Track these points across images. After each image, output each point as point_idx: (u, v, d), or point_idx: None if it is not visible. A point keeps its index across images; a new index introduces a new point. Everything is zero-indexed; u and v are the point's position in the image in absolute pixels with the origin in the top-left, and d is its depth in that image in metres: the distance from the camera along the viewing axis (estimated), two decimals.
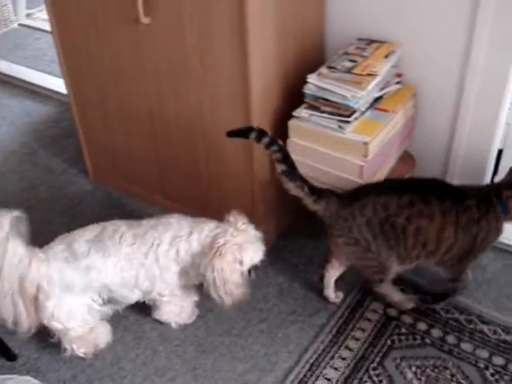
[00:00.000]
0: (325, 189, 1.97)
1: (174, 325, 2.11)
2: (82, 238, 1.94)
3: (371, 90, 2.03)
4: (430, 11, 2.07)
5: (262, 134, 1.91)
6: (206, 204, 2.36)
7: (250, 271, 1.92)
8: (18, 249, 1.80)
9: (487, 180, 2.31)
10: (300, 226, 2.45)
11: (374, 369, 1.95)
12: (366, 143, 1.96)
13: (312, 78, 2.05)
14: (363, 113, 2.05)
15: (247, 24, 1.85)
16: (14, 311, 1.84)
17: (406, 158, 2.31)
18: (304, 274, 2.29)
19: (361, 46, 2.18)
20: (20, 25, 4.42)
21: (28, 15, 4.51)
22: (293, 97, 2.12)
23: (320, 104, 2.05)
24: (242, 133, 1.95)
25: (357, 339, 2.05)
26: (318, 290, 2.21)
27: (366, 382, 1.92)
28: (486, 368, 1.94)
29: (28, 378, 1.61)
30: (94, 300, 1.96)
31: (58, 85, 3.26)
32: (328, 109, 2.03)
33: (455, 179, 2.25)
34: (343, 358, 1.99)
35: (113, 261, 1.91)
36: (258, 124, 2.06)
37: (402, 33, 2.16)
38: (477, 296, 2.17)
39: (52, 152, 3.04)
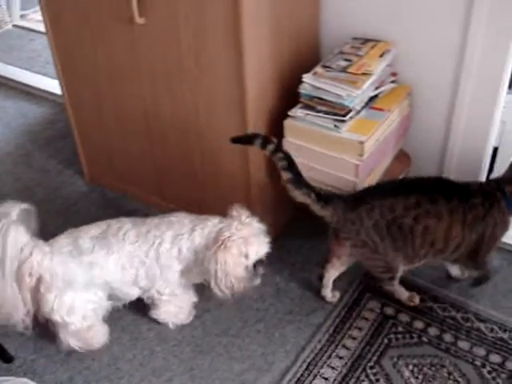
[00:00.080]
0: (331, 193, 1.98)
1: (171, 325, 2.11)
2: (88, 234, 1.95)
3: (366, 89, 2.03)
4: (424, 10, 2.07)
5: (266, 141, 1.90)
6: (201, 204, 2.36)
7: (255, 265, 1.92)
8: (21, 237, 1.81)
9: (483, 178, 2.32)
10: (296, 226, 2.45)
11: (371, 368, 1.95)
12: (361, 142, 1.96)
13: (307, 78, 2.05)
14: (358, 112, 2.05)
15: (242, 24, 1.85)
16: (9, 299, 1.84)
17: (402, 156, 2.31)
18: (301, 274, 2.29)
19: (356, 45, 2.18)
20: (14, 26, 4.41)
21: (22, 16, 4.51)
22: (288, 96, 2.12)
23: (315, 103, 2.05)
24: (247, 139, 1.95)
25: (354, 338, 2.05)
26: (315, 289, 2.21)
27: (363, 380, 1.92)
28: (483, 366, 1.94)
29: (25, 379, 1.61)
30: (99, 296, 1.96)
31: (53, 86, 3.25)
32: (323, 108, 2.03)
33: (451, 177, 2.25)
34: (340, 357, 1.99)
35: (115, 258, 1.92)
36: (253, 124, 2.06)
37: (397, 32, 2.16)
38: (473, 294, 2.17)
39: (47, 153, 3.03)
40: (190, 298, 2.09)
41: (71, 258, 1.90)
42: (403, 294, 2.12)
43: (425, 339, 2.03)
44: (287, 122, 2.09)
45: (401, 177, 2.22)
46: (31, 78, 3.68)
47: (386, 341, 2.03)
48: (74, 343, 1.98)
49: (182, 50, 2.04)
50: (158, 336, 2.10)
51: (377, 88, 2.12)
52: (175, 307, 2.08)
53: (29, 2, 4.47)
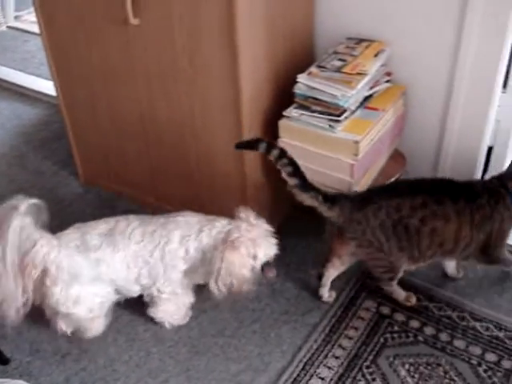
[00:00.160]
0: (338, 194, 1.98)
1: (167, 325, 2.11)
2: (96, 230, 1.97)
3: (361, 88, 2.03)
4: (419, 10, 2.08)
5: (271, 146, 1.90)
6: (197, 205, 2.35)
7: (262, 268, 1.93)
8: (26, 227, 1.83)
9: (478, 177, 2.32)
10: (292, 225, 2.44)
11: (368, 367, 1.95)
12: (356, 142, 1.97)
13: (302, 78, 2.06)
14: (353, 112, 2.06)
15: (236, 24, 1.85)
16: (8, 287, 1.85)
17: (397, 156, 2.32)
18: (296, 274, 2.29)
19: (350, 45, 2.19)
20: (8, 27, 4.40)
21: (16, 17, 4.50)
22: (283, 96, 2.12)
23: (310, 103, 2.05)
24: (251, 144, 1.95)
25: (350, 338, 2.05)
26: (311, 289, 2.21)
27: (359, 380, 1.92)
28: (479, 364, 1.94)
29: (21, 381, 1.61)
30: (106, 291, 1.97)
31: (48, 87, 3.24)
32: (318, 108, 2.03)
33: (442, 177, 2.26)
34: (336, 357, 1.99)
35: (120, 256, 1.94)
36: (248, 124, 2.06)
37: (392, 32, 2.17)
38: (469, 293, 2.18)
39: (42, 155, 3.03)
40: (189, 298, 2.09)
41: (78, 252, 1.92)
42: (401, 294, 2.12)
43: (421, 338, 2.03)
44: (282, 123, 2.09)
45: (397, 176, 2.22)
46: (25, 79, 3.67)
47: (382, 340, 2.03)
48: (69, 329, 1.99)
49: (177, 51, 2.04)
50: (154, 337, 2.09)
51: (371, 88, 2.13)
52: (174, 306, 2.07)
53: (23, 3, 4.45)
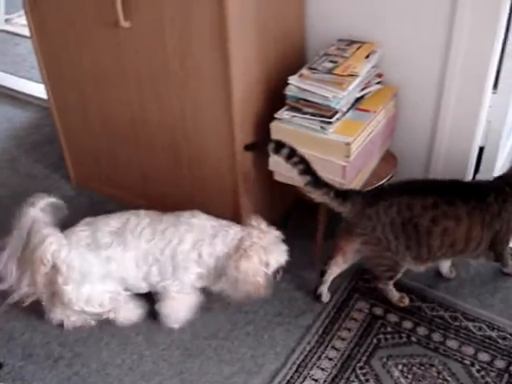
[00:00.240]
0: (350, 190, 2.00)
1: (173, 321, 2.09)
2: (106, 227, 2.00)
3: (352, 90, 2.04)
4: (409, 12, 2.08)
5: (280, 145, 1.90)
6: (189, 207, 2.34)
7: (275, 273, 1.98)
8: (39, 222, 1.93)
9: (469, 177, 2.33)
10: (285, 228, 2.44)
11: (361, 368, 1.95)
12: (348, 143, 1.97)
13: (293, 80, 2.06)
14: (345, 113, 2.06)
15: (227, 26, 1.85)
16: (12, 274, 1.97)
17: (388, 157, 2.32)
18: (290, 276, 2.29)
19: (341, 46, 2.19)
20: None
21: (7, 20, 4.48)
22: (275, 99, 2.12)
23: (302, 105, 2.05)
24: (258, 145, 1.95)
25: (343, 339, 2.05)
26: (304, 291, 2.21)
27: (353, 381, 1.92)
28: (472, 364, 1.95)
29: None
30: (115, 288, 2.01)
31: (39, 90, 3.23)
32: (310, 110, 2.03)
33: (437, 177, 2.27)
34: (330, 359, 1.99)
35: (130, 255, 1.97)
36: (239, 126, 2.06)
37: (382, 33, 2.17)
38: (461, 293, 2.19)
39: (33, 158, 3.02)
40: (197, 297, 2.08)
41: (89, 250, 1.96)
42: (394, 295, 2.12)
43: (414, 339, 2.04)
44: (274, 125, 2.09)
45: (389, 177, 2.22)
46: (16, 82, 3.65)
47: (375, 341, 2.04)
48: (79, 323, 2.07)
49: (168, 54, 2.03)
50: (147, 340, 2.09)
51: (363, 89, 2.13)
52: (181, 304, 2.07)
53: (13, 6, 4.44)
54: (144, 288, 2.06)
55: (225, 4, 1.81)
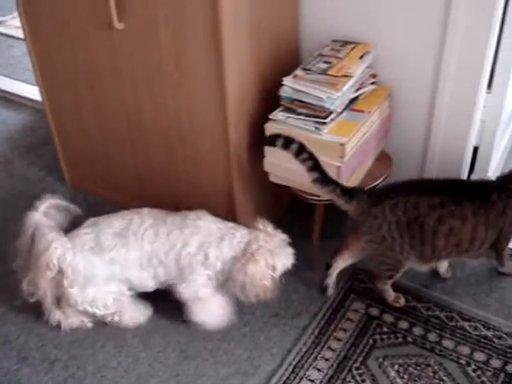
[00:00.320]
0: (356, 188, 2.01)
1: (208, 325, 2.06)
2: (110, 229, 2.01)
3: (347, 90, 2.04)
4: (403, 12, 2.09)
5: (289, 141, 1.90)
6: (184, 208, 2.34)
7: (281, 276, 1.99)
8: (42, 226, 1.93)
9: (464, 177, 2.33)
10: (280, 228, 2.44)
11: (357, 368, 1.96)
12: (342, 144, 1.97)
13: (287, 81, 2.06)
14: (339, 114, 2.06)
15: (221, 27, 1.85)
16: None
17: (383, 158, 2.32)
18: (285, 277, 2.28)
19: (335, 47, 2.19)
20: None
21: (1, 23, 4.46)
22: (269, 100, 2.12)
23: (296, 106, 2.05)
24: (267, 141, 1.95)
25: (339, 340, 2.05)
26: (300, 292, 2.21)
27: (349, 382, 1.92)
28: (468, 364, 1.95)
29: None
30: (119, 289, 2.02)
31: (33, 92, 3.21)
32: (304, 111, 2.03)
33: (432, 177, 2.27)
34: (326, 359, 1.99)
35: (134, 257, 1.98)
36: (234, 127, 2.06)
37: (377, 34, 2.18)
38: (457, 293, 2.19)
39: (28, 160, 3.01)
40: (222, 300, 2.06)
41: (93, 254, 1.97)
42: (390, 294, 2.13)
43: (409, 339, 2.04)
44: (268, 126, 2.09)
45: (383, 177, 2.23)
46: (10, 84, 3.64)
47: (371, 341, 2.04)
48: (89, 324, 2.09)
49: (162, 55, 2.03)
50: (142, 342, 2.08)
51: (357, 90, 2.13)
52: (205, 307, 2.05)
53: (7, 8, 4.42)
54: (151, 287, 2.06)
55: (218, 6, 1.81)
